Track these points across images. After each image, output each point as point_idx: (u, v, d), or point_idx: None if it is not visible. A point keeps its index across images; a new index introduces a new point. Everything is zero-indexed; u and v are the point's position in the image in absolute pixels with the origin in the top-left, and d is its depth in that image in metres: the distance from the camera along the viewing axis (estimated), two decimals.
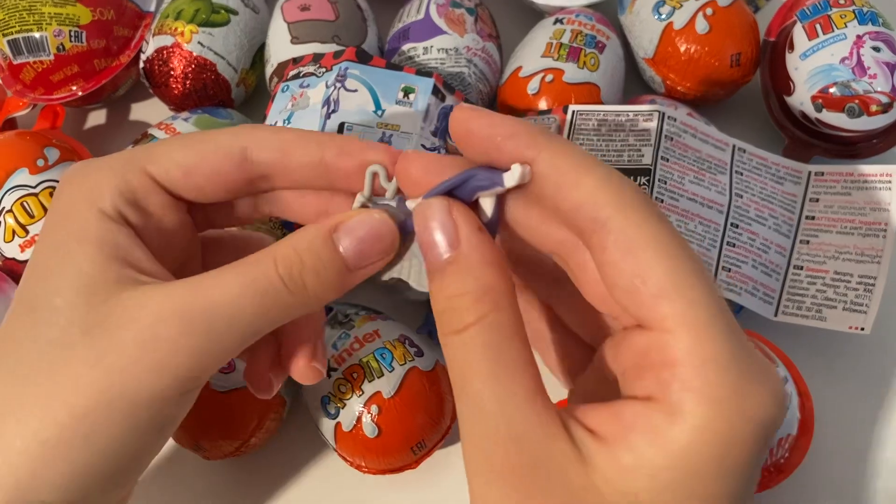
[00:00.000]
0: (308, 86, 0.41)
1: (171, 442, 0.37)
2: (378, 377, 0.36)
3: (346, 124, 0.39)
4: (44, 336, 0.21)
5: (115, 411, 0.20)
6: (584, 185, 0.19)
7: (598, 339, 0.23)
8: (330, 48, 0.44)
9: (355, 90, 0.40)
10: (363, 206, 0.23)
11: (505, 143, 0.19)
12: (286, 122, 0.40)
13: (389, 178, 0.23)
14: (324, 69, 0.41)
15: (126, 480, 0.23)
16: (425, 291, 0.22)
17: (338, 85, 0.40)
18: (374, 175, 0.23)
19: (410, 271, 0.23)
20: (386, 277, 0.23)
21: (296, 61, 0.44)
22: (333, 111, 0.39)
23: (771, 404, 0.17)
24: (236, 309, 0.21)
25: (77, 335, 0.20)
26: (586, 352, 0.24)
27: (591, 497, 0.17)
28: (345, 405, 0.36)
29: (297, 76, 0.42)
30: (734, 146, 0.41)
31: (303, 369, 0.26)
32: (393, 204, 0.23)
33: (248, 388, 0.27)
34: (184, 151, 0.23)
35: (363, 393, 0.35)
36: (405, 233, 0.22)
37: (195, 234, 0.26)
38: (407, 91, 0.40)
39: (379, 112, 0.39)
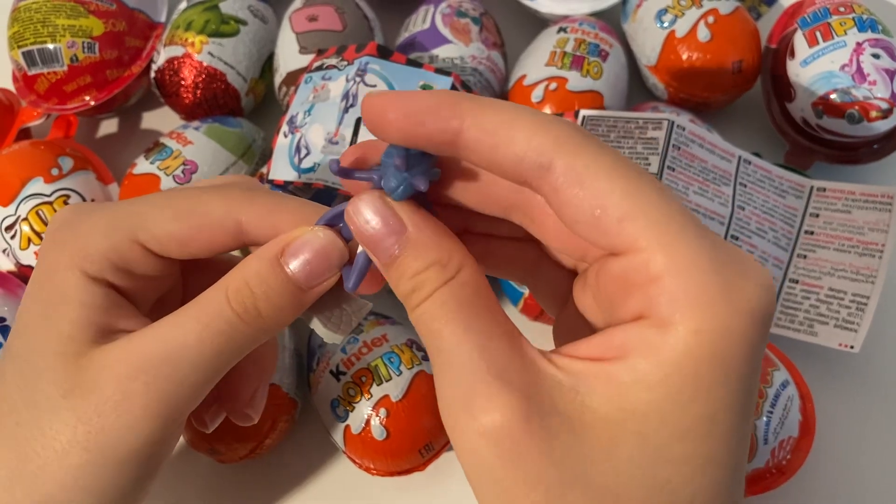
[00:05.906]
0: (330, 78, 0.41)
1: (184, 446, 0.38)
2: (386, 381, 0.36)
3: (362, 120, 0.39)
4: (32, 399, 0.22)
5: (101, 469, 0.22)
6: (517, 137, 0.18)
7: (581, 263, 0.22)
8: None
9: (374, 86, 0.40)
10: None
11: (426, 120, 0.19)
12: (307, 112, 0.41)
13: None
14: (345, 62, 0.42)
15: None
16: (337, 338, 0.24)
17: (357, 79, 0.40)
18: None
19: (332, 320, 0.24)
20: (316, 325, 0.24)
21: (320, 52, 0.44)
22: (351, 106, 0.39)
23: (760, 294, 0.17)
24: (197, 352, 0.22)
25: (58, 398, 0.22)
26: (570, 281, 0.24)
27: (588, 417, 0.17)
28: (354, 408, 0.36)
29: (320, 67, 0.43)
30: (740, 157, 0.41)
31: (237, 413, 0.27)
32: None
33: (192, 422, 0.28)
34: (178, 224, 0.23)
35: (372, 396, 0.36)
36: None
37: (177, 271, 0.26)
38: (425, 88, 0.41)
39: None
